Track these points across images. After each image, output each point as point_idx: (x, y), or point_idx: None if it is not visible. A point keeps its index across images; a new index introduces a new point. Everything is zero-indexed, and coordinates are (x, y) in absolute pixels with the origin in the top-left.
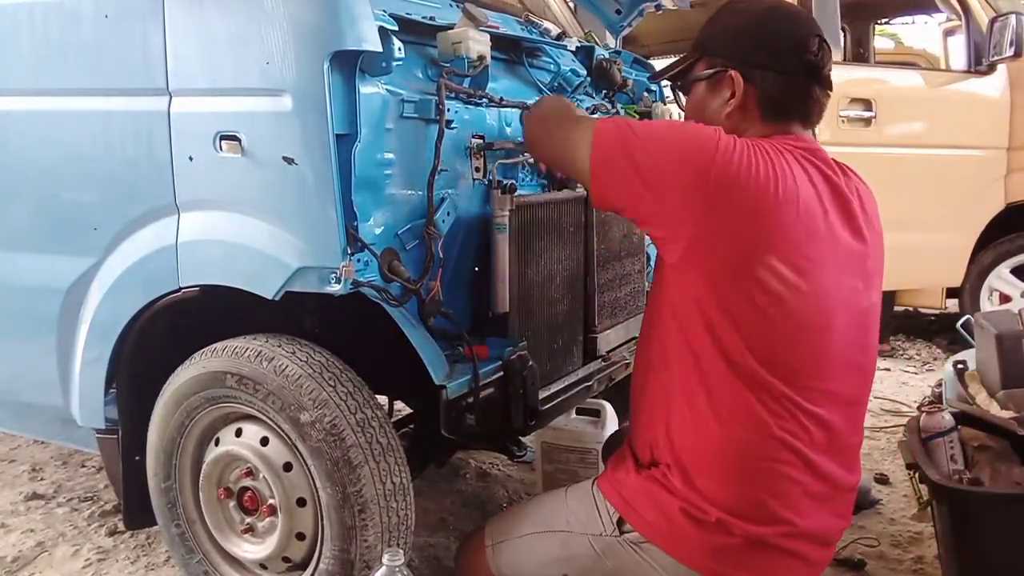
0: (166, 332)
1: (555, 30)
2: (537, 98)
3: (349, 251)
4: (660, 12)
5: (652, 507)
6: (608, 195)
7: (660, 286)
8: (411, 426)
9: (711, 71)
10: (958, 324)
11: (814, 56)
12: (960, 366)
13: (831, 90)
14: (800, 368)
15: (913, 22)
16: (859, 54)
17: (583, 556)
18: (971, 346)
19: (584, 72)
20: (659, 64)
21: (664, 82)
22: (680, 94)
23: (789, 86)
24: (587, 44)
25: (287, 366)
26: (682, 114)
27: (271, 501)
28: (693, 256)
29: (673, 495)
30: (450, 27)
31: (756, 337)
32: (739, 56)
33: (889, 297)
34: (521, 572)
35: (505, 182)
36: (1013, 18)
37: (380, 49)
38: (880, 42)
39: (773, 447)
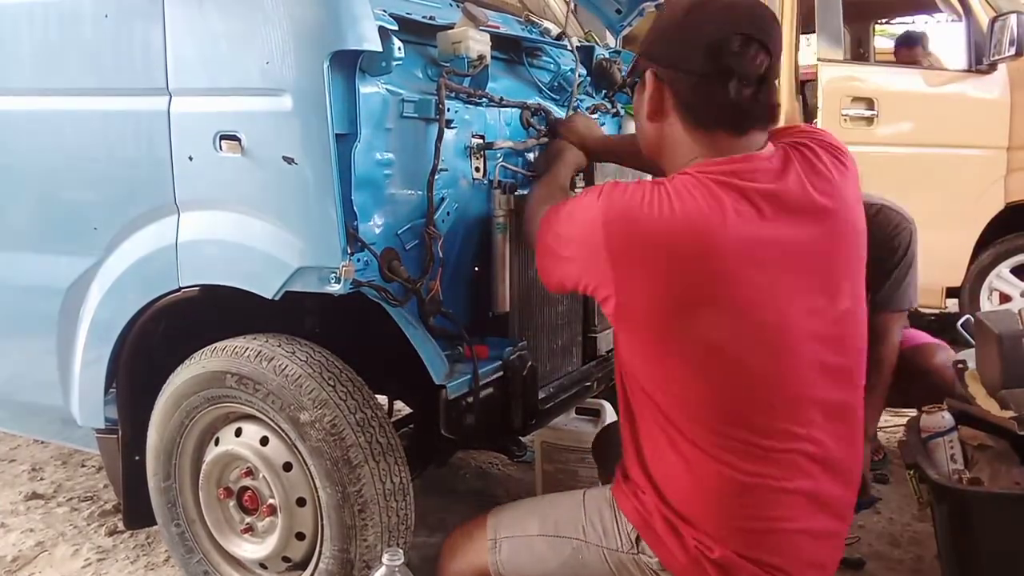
0: (166, 332)
1: (555, 30)
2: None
3: (349, 251)
4: (660, 12)
5: (671, 534)
6: (547, 279)
7: (616, 339)
8: (411, 426)
9: (633, 70)
10: (958, 324)
11: (732, 56)
12: (960, 366)
13: (772, 92)
14: (761, 413)
15: (913, 22)
16: (860, 54)
17: (594, 569)
18: (971, 346)
19: (584, 72)
20: None
21: None
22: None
23: (700, 88)
24: (587, 44)
25: (287, 366)
26: None
27: (271, 501)
28: (622, 315)
29: (686, 524)
30: (450, 27)
31: (704, 391)
32: (653, 54)
33: None
34: (524, 573)
35: (505, 182)
36: (1013, 18)
37: (380, 49)
38: (880, 42)
39: (755, 496)
